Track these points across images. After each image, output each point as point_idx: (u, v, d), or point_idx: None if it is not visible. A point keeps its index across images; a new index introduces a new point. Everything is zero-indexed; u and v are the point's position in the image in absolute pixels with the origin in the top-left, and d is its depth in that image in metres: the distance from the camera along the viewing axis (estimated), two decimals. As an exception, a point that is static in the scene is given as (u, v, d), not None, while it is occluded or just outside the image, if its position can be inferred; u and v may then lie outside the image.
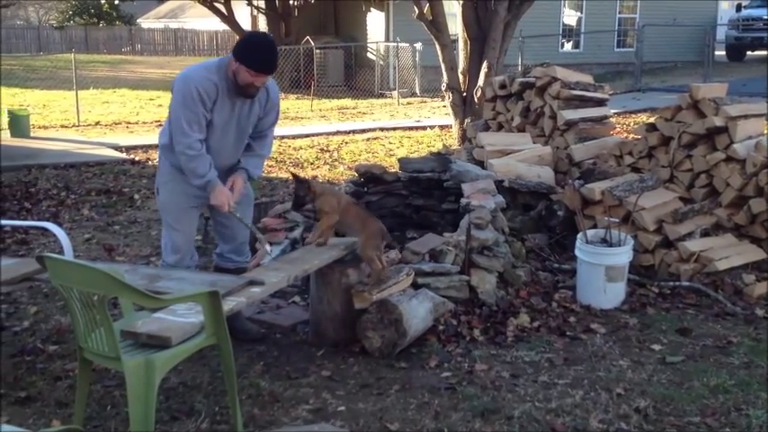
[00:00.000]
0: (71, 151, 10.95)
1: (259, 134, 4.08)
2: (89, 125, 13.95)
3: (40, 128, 13.33)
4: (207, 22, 36.82)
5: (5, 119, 12.52)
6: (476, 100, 10.60)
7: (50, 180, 8.94)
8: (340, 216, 4.07)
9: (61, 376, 3.75)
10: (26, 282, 3.86)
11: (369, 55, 21.19)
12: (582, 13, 22.90)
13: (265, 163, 4.12)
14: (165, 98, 18.42)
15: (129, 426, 2.91)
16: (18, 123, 12.18)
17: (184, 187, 3.97)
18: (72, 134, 12.87)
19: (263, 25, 23.10)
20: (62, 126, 13.86)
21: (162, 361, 2.90)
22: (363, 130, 13.20)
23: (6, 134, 12.06)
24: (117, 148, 11.28)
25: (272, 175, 9.30)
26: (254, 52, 3.75)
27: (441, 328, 4.22)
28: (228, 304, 3.22)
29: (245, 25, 22.98)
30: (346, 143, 11.85)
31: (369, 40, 21.13)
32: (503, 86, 7.58)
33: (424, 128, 13.40)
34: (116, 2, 33.97)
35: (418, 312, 4.05)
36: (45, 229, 5.13)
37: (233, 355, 3.13)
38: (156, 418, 2.89)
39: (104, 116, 15.19)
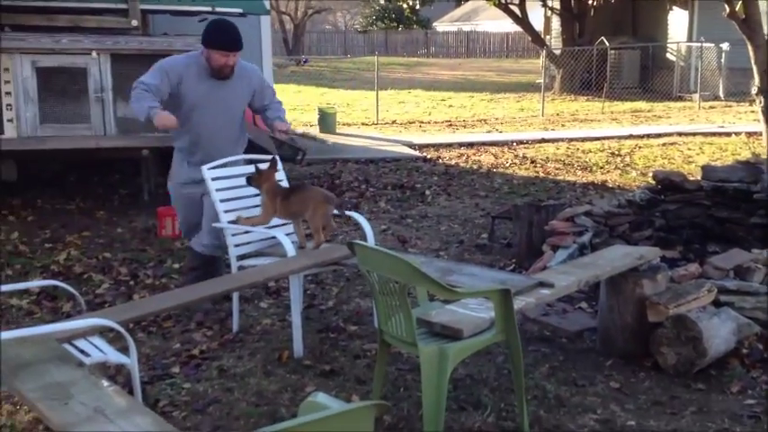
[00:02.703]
0: (370, 147, 11.74)
1: (267, 107, 4.62)
2: (386, 123, 14.85)
3: (344, 125, 14.47)
4: (499, 24, 37.51)
5: (316, 116, 13.82)
6: (793, 105, 9.56)
7: (352, 173, 9.66)
8: (283, 207, 4.25)
9: (360, 355, 4.04)
10: (333, 265, 4.23)
11: (668, 56, 20.04)
12: None
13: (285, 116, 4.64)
14: (457, 99, 19.14)
15: (420, 409, 3.06)
16: (326, 120, 13.38)
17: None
18: (371, 131, 13.78)
19: (556, 26, 22.89)
20: (363, 124, 14.92)
21: (454, 351, 3.00)
22: (659, 135, 12.53)
23: (316, 130, 13.29)
24: (411, 145, 11.87)
25: (558, 177, 9.19)
26: (222, 35, 4.32)
27: (744, 351, 3.87)
28: (518, 303, 3.25)
29: (538, 26, 22.97)
30: (639, 147, 11.33)
31: (669, 40, 19.98)
32: (830, 90, 6.75)
33: (728, 134, 12.37)
34: (417, 7, 35.63)
35: (720, 332, 3.76)
36: (349, 218, 5.55)
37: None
38: (445, 405, 3.00)
39: (400, 115, 16.08)
